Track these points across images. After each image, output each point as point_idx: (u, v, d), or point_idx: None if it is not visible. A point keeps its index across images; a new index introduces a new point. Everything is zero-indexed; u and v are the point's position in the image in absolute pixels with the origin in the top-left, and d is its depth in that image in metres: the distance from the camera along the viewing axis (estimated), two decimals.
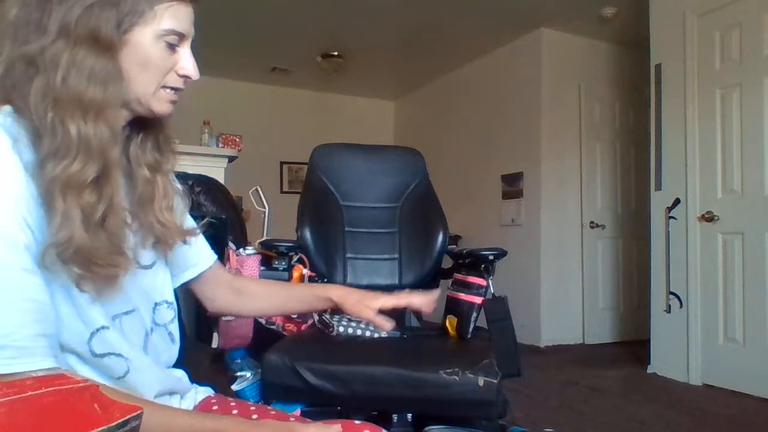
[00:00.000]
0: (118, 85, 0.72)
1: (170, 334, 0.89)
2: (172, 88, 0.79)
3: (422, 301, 1.07)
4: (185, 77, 0.79)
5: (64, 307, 0.69)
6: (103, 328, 0.73)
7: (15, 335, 0.62)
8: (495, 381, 1.19)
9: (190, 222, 0.94)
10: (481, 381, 1.17)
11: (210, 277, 1.00)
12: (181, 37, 0.77)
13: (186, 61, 0.79)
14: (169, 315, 0.89)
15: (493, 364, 1.24)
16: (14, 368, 0.62)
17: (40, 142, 0.67)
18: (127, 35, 0.73)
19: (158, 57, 0.75)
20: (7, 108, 0.69)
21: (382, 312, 1.04)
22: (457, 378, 1.17)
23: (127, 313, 0.79)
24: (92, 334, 0.72)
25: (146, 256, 0.83)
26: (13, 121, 0.68)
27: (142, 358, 0.79)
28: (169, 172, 0.87)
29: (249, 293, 1.04)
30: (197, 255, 0.97)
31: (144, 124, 0.83)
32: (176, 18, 0.75)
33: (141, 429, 0.60)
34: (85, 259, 0.67)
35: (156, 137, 0.85)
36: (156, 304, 0.86)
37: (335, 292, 1.06)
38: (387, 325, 1.04)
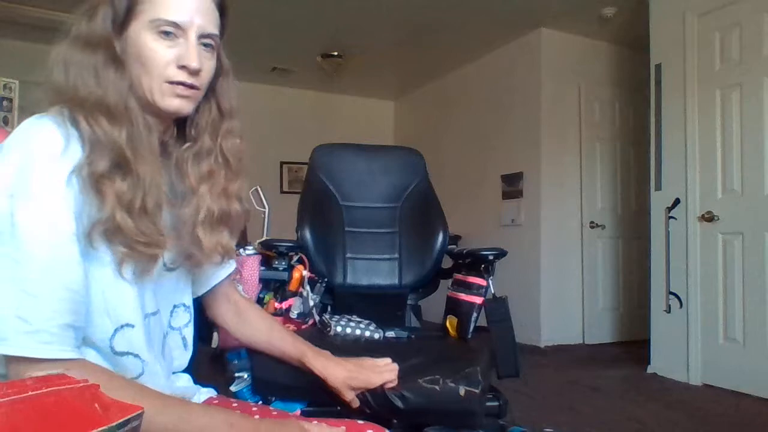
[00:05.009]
0: (110, 79, 0.73)
1: (184, 338, 0.89)
2: (180, 83, 0.76)
3: (393, 374, 1.08)
4: (184, 67, 0.76)
5: (96, 300, 0.71)
6: (127, 325, 0.74)
7: (52, 322, 0.64)
8: (477, 391, 1.14)
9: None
10: (462, 390, 1.12)
11: (220, 291, 1.00)
12: (177, 27, 0.75)
13: (184, 50, 0.75)
14: (184, 318, 0.89)
15: (476, 372, 1.18)
16: (47, 354, 0.64)
17: (80, 139, 0.70)
18: (125, 32, 0.74)
19: (152, 49, 0.74)
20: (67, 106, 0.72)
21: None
22: (437, 387, 1.12)
23: (154, 314, 0.80)
24: (116, 331, 0.73)
25: (171, 258, 0.83)
26: (67, 117, 0.71)
27: (157, 363, 0.80)
28: (225, 189, 0.85)
29: (247, 319, 1.04)
30: (220, 266, 0.97)
31: (192, 134, 0.84)
32: (168, 7, 0.74)
33: (156, 423, 0.61)
34: (129, 238, 0.70)
35: (213, 146, 0.84)
36: (174, 306, 0.87)
37: (318, 365, 1.03)
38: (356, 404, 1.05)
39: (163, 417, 0.66)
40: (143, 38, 0.74)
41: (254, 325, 1.04)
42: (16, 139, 0.68)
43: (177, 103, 0.77)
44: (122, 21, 0.74)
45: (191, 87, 0.77)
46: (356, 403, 1.05)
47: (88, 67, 0.72)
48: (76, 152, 0.69)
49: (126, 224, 0.69)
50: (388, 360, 1.10)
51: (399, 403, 1.11)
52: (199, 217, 0.82)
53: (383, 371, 1.07)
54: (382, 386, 1.08)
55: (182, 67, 0.75)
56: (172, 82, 0.76)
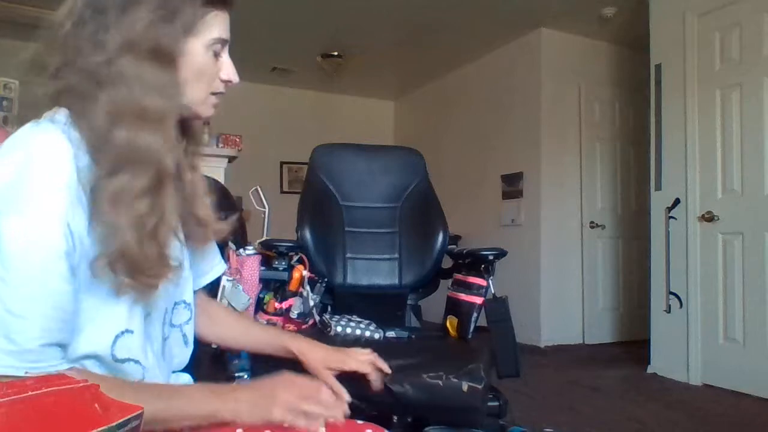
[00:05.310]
0: (178, 95, 0.75)
1: (184, 336, 0.89)
2: (216, 93, 0.81)
3: (370, 366, 1.06)
4: (227, 82, 0.81)
5: (93, 312, 0.69)
6: (127, 331, 0.73)
7: (39, 341, 0.63)
8: (479, 386, 1.15)
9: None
10: (465, 386, 1.14)
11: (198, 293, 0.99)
12: (224, 43, 0.80)
13: (228, 67, 0.81)
14: (185, 316, 0.89)
15: (479, 368, 1.19)
16: (36, 372, 0.62)
17: (99, 154, 0.67)
18: (182, 47, 0.75)
19: (208, 65, 0.78)
20: (65, 111, 0.69)
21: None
22: (440, 382, 1.14)
23: (155, 316, 0.80)
24: (117, 337, 0.72)
25: (175, 255, 0.82)
26: (71, 125, 0.68)
27: (157, 367, 0.79)
28: (197, 166, 0.89)
29: (216, 318, 1.03)
30: (213, 262, 0.98)
31: (184, 129, 0.84)
32: (221, 26, 0.78)
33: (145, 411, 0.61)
34: (134, 268, 0.68)
35: (192, 137, 0.87)
36: (175, 304, 0.86)
37: (295, 345, 1.02)
38: (344, 395, 0.98)
39: (149, 404, 0.65)
40: (201, 54, 0.77)
41: (224, 322, 1.04)
42: (15, 146, 0.65)
43: (212, 112, 0.83)
44: (184, 38, 0.74)
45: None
46: (339, 387, 0.98)
47: (153, 81, 0.70)
48: (86, 170, 0.66)
49: (131, 251, 0.67)
50: (369, 351, 1.09)
51: (401, 390, 1.11)
52: (203, 201, 0.86)
53: (362, 361, 1.06)
54: (383, 381, 1.08)
55: (226, 81, 0.81)
56: (214, 93, 0.81)
